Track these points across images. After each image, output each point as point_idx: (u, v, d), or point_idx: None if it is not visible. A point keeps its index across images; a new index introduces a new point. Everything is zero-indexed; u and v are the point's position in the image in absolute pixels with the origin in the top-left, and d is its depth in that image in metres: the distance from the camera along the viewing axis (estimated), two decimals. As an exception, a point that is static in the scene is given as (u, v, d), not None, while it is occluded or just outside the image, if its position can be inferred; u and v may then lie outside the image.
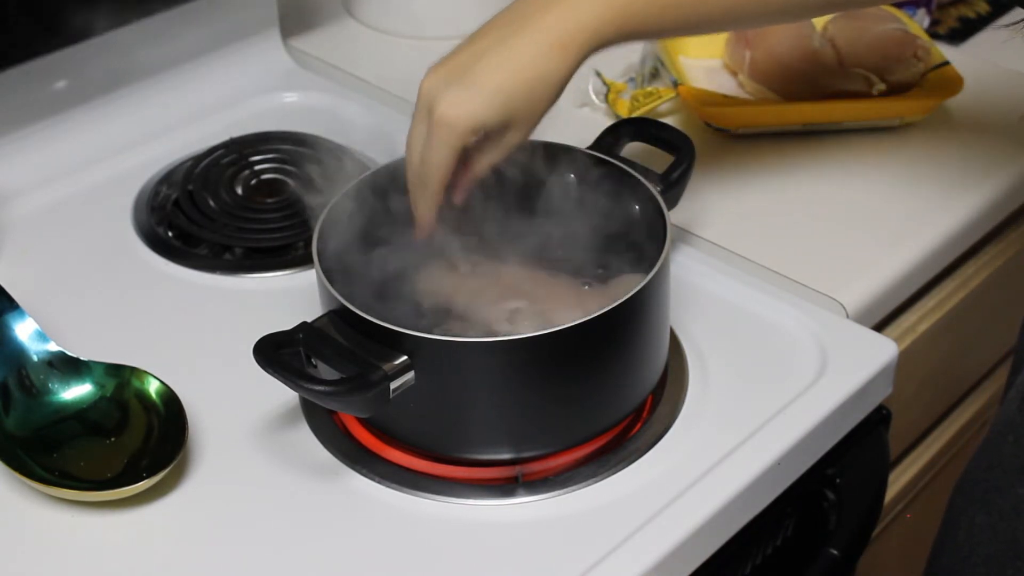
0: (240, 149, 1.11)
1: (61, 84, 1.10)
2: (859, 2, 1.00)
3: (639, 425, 0.85)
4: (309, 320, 0.79)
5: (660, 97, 1.14)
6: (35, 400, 0.85)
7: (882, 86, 1.12)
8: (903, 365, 0.92)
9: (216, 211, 1.05)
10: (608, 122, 0.99)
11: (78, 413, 0.85)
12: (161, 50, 1.15)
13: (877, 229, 1.01)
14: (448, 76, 0.79)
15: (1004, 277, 1.14)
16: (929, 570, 0.95)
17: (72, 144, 1.11)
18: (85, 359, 0.86)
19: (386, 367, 0.76)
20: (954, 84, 1.12)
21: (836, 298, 0.94)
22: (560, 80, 0.80)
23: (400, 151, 0.84)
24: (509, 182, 0.87)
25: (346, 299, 0.78)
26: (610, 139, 0.93)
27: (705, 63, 1.20)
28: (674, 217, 0.87)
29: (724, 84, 1.18)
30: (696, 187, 0.95)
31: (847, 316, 0.94)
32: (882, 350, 0.90)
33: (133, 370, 0.86)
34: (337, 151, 1.10)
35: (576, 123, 1.13)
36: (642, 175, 0.88)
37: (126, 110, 1.14)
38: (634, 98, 1.14)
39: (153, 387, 0.85)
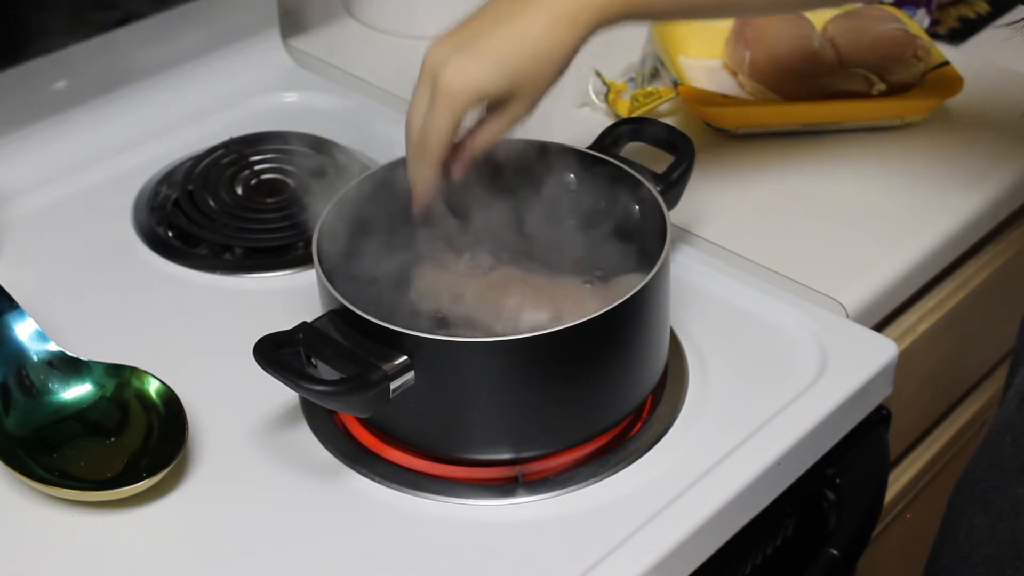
0: (240, 149, 1.11)
1: (61, 84, 1.10)
2: None
3: (639, 425, 0.85)
4: (309, 320, 0.79)
5: (660, 97, 1.14)
6: (35, 400, 0.85)
7: (882, 86, 1.12)
8: (903, 365, 0.92)
9: (216, 211, 1.05)
10: (608, 122, 0.98)
11: (78, 413, 0.85)
12: (161, 50, 1.15)
13: (877, 229, 1.01)
14: (455, 45, 0.80)
15: (1004, 277, 1.14)
16: (929, 570, 0.95)
17: (72, 144, 1.11)
18: (85, 359, 0.86)
19: (386, 367, 0.76)
20: (954, 84, 1.12)
21: (836, 298, 0.94)
22: (565, 54, 0.80)
23: (400, 151, 0.84)
24: (509, 182, 0.87)
25: (346, 299, 0.78)
26: (610, 139, 0.93)
27: (705, 63, 1.20)
28: (674, 217, 0.87)
29: (724, 84, 1.18)
30: (696, 187, 0.95)
31: (847, 316, 0.94)
32: (882, 350, 0.90)
33: (133, 370, 0.86)
34: (337, 151, 1.10)
35: (576, 123, 1.13)
36: (642, 175, 0.88)
37: (126, 110, 1.14)
38: (634, 98, 1.14)
39: (153, 387, 0.85)
